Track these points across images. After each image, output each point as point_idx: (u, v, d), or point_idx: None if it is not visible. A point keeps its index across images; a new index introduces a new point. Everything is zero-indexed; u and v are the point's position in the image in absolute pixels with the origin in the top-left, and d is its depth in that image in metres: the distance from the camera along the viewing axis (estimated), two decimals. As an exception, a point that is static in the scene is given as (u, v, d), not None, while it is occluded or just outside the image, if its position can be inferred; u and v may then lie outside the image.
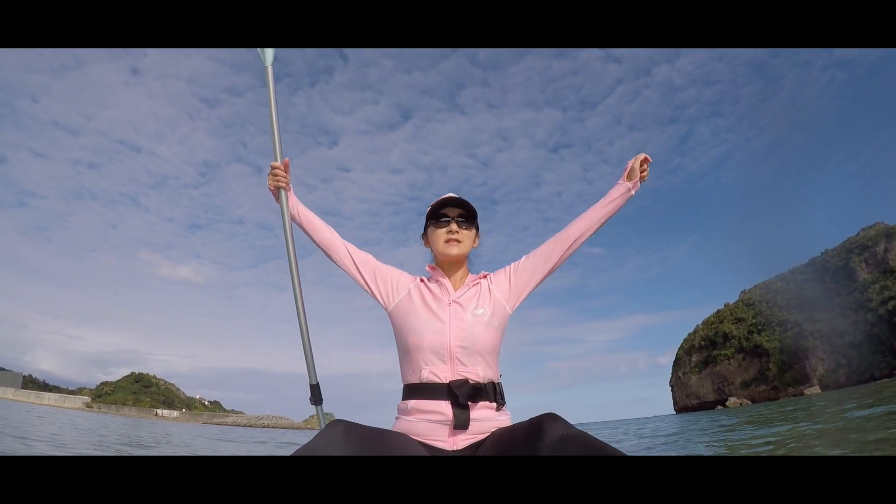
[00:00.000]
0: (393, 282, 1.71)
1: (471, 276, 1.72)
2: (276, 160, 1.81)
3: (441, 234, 1.68)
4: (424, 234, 1.79)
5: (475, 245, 1.76)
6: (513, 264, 1.71)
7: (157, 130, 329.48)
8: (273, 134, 1.82)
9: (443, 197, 1.70)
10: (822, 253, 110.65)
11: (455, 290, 1.67)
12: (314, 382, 1.85)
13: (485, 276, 1.71)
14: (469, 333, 1.53)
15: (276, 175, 1.78)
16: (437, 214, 1.69)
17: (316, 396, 1.85)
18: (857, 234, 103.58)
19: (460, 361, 1.51)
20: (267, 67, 1.83)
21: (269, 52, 1.83)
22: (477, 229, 1.76)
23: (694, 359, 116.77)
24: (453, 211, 1.69)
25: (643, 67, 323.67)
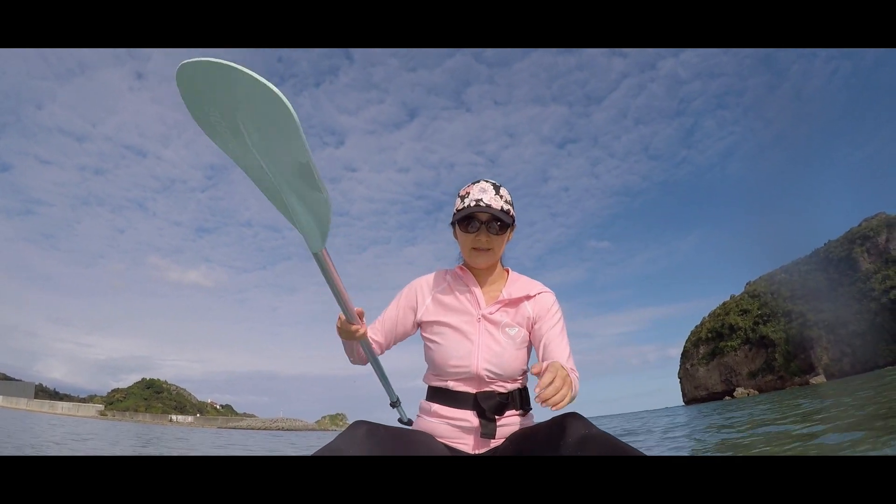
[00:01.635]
0: (411, 307, 1.60)
1: (511, 283, 1.57)
2: (348, 316, 1.37)
3: (468, 240, 1.49)
4: (453, 225, 1.55)
5: (509, 238, 1.56)
6: (555, 318, 1.52)
7: (162, 134, 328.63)
8: (339, 297, 1.29)
9: (475, 200, 1.44)
10: (825, 244, 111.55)
11: (486, 300, 1.54)
12: (394, 399, 1.89)
13: (529, 298, 1.54)
14: (500, 359, 1.46)
15: (353, 332, 1.40)
16: (467, 218, 1.47)
17: (394, 404, 1.91)
18: (860, 225, 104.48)
19: (487, 380, 1.46)
20: (322, 250, 1.18)
21: (317, 237, 1.14)
22: (512, 225, 1.51)
23: (701, 350, 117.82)
24: (484, 215, 1.46)
25: (648, 61, 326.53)
